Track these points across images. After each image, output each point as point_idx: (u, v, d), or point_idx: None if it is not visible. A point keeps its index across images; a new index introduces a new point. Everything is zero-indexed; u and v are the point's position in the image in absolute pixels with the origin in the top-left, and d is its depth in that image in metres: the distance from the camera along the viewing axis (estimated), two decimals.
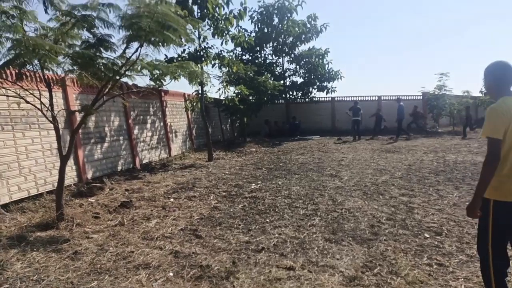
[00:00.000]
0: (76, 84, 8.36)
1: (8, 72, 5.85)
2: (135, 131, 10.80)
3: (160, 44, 5.58)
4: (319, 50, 21.79)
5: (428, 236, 4.81)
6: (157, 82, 7.84)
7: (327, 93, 22.81)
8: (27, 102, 5.54)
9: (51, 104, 5.70)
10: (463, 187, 7.38)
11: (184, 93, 14.61)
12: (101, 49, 5.92)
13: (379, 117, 19.29)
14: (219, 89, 14.64)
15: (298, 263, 4.05)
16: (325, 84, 22.46)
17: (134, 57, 5.85)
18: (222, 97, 15.54)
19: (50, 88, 5.78)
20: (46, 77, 5.69)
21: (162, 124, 12.49)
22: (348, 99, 22.96)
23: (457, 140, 16.38)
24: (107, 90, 6.13)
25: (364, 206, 6.26)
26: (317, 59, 21.68)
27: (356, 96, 22.61)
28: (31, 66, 5.41)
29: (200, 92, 13.01)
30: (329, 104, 23.26)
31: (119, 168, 9.87)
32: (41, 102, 5.61)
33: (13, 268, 4.05)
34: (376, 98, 22.95)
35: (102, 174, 9.08)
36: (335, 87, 22.93)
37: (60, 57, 5.45)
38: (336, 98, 23.41)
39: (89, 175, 8.63)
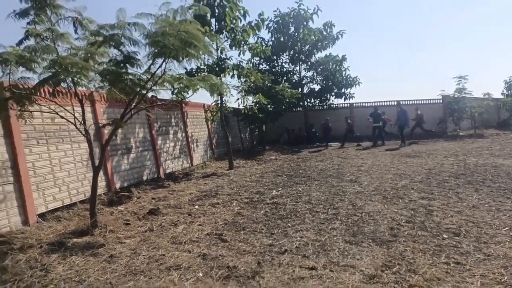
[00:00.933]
0: (103, 99, 8.80)
1: (43, 89, 6.26)
2: (159, 142, 11.20)
3: (182, 59, 5.91)
4: (336, 57, 21.98)
5: (446, 236, 4.95)
6: (179, 95, 8.19)
7: (345, 99, 22.91)
8: (62, 117, 5.96)
9: (84, 119, 6.11)
10: (483, 189, 7.44)
11: (204, 104, 15.00)
12: (128, 65, 6.31)
13: (349, 125, 19.59)
14: (238, 99, 15.00)
15: (320, 263, 4.26)
16: (343, 90, 22.58)
17: (159, 71, 6.20)
18: (241, 107, 15.92)
19: (82, 104, 6.19)
20: (78, 93, 6.09)
21: (183, 134, 12.88)
22: (366, 105, 23.04)
23: (478, 143, 16.24)
24: (134, 104, 6.50)
25: (383, 209, 6.41)
26: (334, 66, 21.85)
27: (374, 102, 22.66)
28: (65, 83, 5.82)
29: (219, 102, 13.37)
30: (347, 110, 23.35)
31: (145, 177, 10.26)
32: (75, 117, 6.01)
33: (56, 271, 4.40)
34: (395, 103, 22.93)
35: (129, 183, 9.48)
36: (353, 93, 23.06)
37: (92, 73, 5.86)
38: (354, 104, 23.51)
39: (117, 185, 9.03)
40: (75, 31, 6.38)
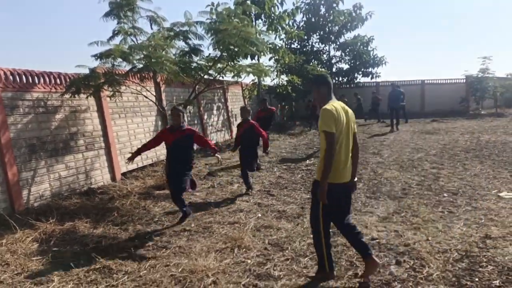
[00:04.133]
0: (162, 81, 10.41)
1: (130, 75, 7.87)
2: (205, 117, 12.83)
3: (243, 56, 7.39)
4: (364, 38, 22.81)
5: (446, 195, 6.37)
6: (236, 77, 9.64)
7: (371, 78, 23.82)
8: (145, 96, 7.61)
9: (160, 98, 7.74)
10: (487, 162, 8.72)
11: (241, 82, 16.48)
12: (193, 55, 7.83)
13: (377, 99, 20.00)
14: (273, 79, 16.39)
15: None
16: (369, 70, 23.49)
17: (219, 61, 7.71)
18: (274, 85, 17.30)
19: (159, 87, 7.81)
20: (157, 78, 7.71)
21: (224, 110, 14.48)
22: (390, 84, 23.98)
23: (497, 122, 17.16)
24: (197, 86, 8.08)
25: (399, 176, 7.84)
26: (362, 47, 22.74)
27: (400, 81, 23.52)
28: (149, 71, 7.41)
29: (257, 81, 14.84)
30: (374, 89, 24.32)
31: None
32: (155, 96, 7.64)
33: (154, 210, 6.12)
34: (420, 82, 23.76)
35: None
36: (380, 73, 23.97)
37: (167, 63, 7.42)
38: (380, 83, 24.45)
39: None
40: (151, 27, 7.97)
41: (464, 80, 22.96)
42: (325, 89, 3.51)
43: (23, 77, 6.48)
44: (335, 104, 3.40)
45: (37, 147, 6.53)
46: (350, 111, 3.57)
